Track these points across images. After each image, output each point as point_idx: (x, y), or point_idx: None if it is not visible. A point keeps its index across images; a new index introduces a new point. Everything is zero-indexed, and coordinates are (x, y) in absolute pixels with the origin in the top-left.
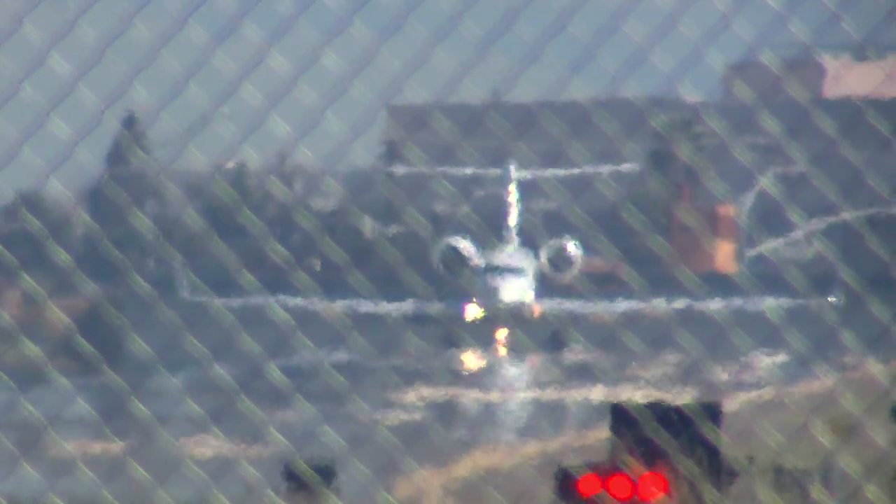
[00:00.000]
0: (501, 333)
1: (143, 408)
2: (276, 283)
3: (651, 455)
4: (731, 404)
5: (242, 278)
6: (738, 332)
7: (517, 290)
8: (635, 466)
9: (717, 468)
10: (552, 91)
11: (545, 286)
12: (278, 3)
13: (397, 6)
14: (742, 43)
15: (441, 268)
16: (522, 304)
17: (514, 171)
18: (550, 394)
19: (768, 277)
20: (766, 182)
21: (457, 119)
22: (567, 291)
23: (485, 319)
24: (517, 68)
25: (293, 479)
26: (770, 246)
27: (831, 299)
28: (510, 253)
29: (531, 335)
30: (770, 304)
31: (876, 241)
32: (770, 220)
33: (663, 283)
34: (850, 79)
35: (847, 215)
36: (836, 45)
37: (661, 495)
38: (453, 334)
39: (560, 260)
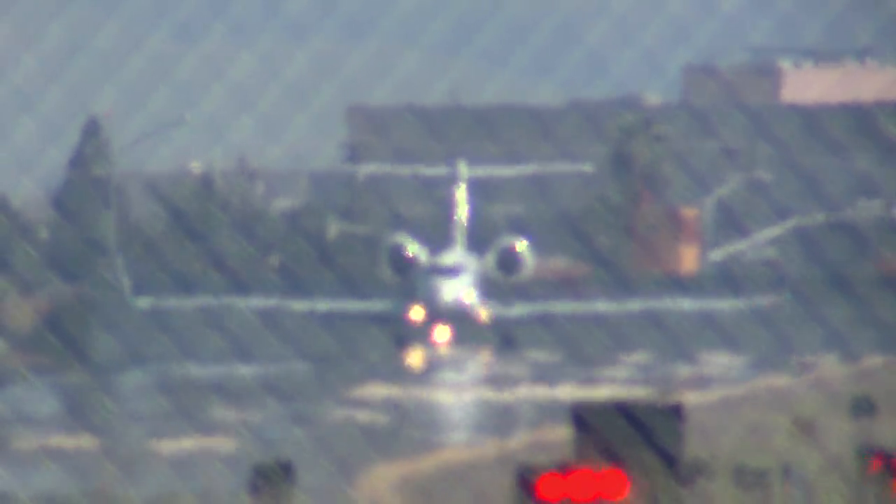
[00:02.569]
0: (443, 333)
1: (108, 405)
2: (239, 284)
3: (613, 454)
4: (693, 403)
5: (205, 279)
6: (698, 333)
7: (458, 290)
8: (597, 466)
9: (680, 467)
10: (513, 93)
11: (494, 288)
12: (241, 7)
13: (359, 11)
14: (703, 46)
15: (388, 269)
16: (464, 304)
17: (462, 170)
18: (505, 393)
19: (730, 280)
20: (728, 185)
21: (417, 121)
22: (518, 293)
23: (429, 320)
24: (478, 71)
25: (258, 477)
26: (732, 249)
27: (778, 299)
28: (454, 253)
29: (477, 336)
30: (722, 305)
31: (836, 245)
32: (732, 223)
33: (624, 286)
34: (810, 83)
35: (808, 219)
36: (797, 50)
37: (623, 495)
38: (402, 334)
39: (508, 261)
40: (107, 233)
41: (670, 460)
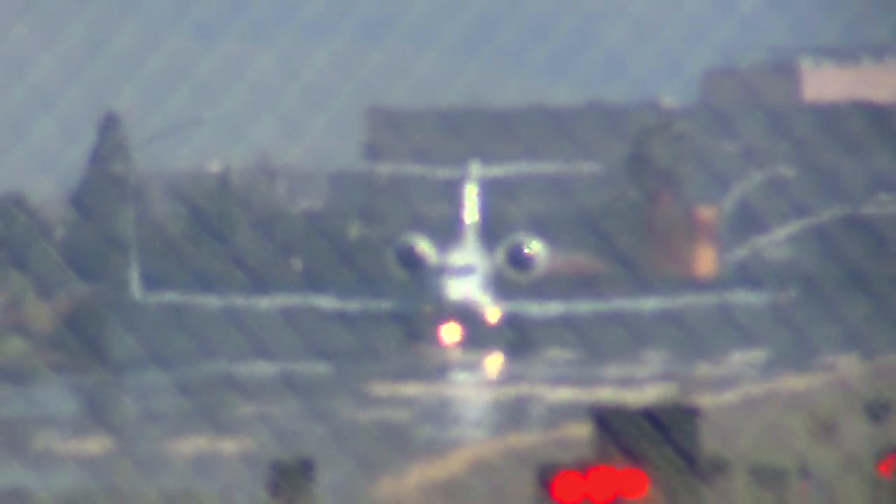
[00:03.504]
0: (454, 333)
1: (127, 404)
2: (257, 282)
3: (631, 454)
4: (709, 403)
5: (224, 278)
6: (714, 331)
7: (467, 288)
8: (615, 466)
9: (698, 467)
10: (533, 95)
11: (507, 286)
12: (260, 7)
13: (377, 12)
14: (722, 47)
15: (399, 268)
16: (474, 303)
17: (473, 170)
18: (523, 392)
19: (748, 280)
20: (746, 184)
21: (436, 121)
22: (536, 291)
23: (439, 319)
24: (496, 72)
25: (278, 475)
26: (750, 248)
27: (783, 296)
28: (464, 252)
29: (488, 335)
30: (730, 301)
31: (854, 242)
32: (750, 222)
33: (641, 285)
34: (829, 82)
35: (826, 216)
36: (816, 49)
37: (641, 495)
38: (412, 333)
39: (519, 259)
40: (125, 231)
41: (689, 459)
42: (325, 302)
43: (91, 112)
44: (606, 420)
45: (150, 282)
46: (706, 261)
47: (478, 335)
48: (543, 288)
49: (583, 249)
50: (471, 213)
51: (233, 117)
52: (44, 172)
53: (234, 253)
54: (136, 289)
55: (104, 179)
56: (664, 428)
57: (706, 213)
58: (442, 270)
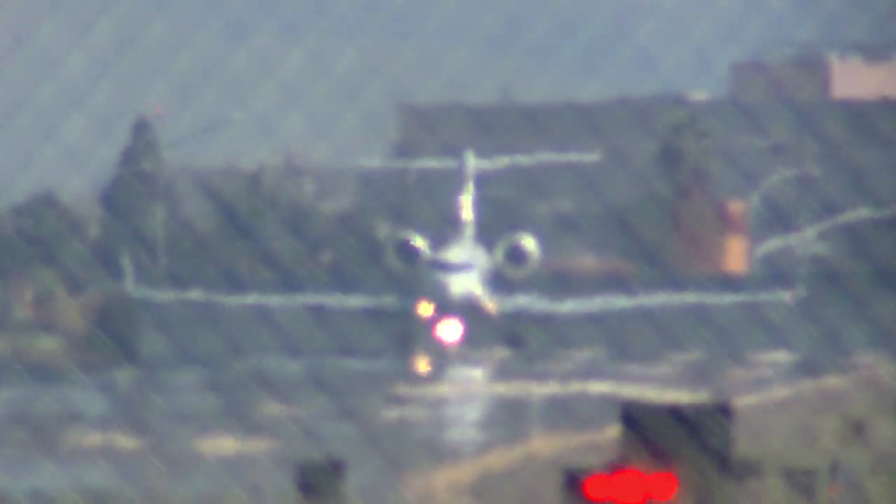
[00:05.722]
0: (454, 331)
1: (157, 403)
2: (282, 281)
3: (662, 454)
4: (738, 403)
5: (254, 277)
6: (742, 330)
7: (464, 285)
8: (646, 467)
9: (729, 468)
10: (562, 91)
11: (502, 283)
12: (290, 6)
13: (407, 9)
14: (750, 42)
15: (395, 263)
16: (472, 299)
17: (469, 162)
18: (540, 392)
19: (777, 276)
20: (775, 180)
21: (466, 118)
22: (528, 288)
23: (438, 315)
24: (526, 69)
25: (308, 474)
26: (777, 246)
27: (790, 294)
28: (461, 248)
29: (488, 331)
30: (733, 299)
31: (882, 240)
32: (777, 219)
33: (671, 283)
34: (858, 78)
35: (855, 215)
36: (845, 44)
37: (672, 496)
38: (410, 331)
39: (515, 256)
40: (155, 229)
41: (720, 460)
42: (335, 300)
43: (122, 110)
44: (636, 419)
45: (178, 279)
46: (736, 256)
47: (479, 332)
48: (568, 286)
49: (611, 246)
50: (467, 205)
51: (263, 115)
52: (74, 170)
53: (262, 251)
54: (130, 285)
55: (134, 178)
56: (695, 427)
57: (736, 207)
58: (439, 266)
